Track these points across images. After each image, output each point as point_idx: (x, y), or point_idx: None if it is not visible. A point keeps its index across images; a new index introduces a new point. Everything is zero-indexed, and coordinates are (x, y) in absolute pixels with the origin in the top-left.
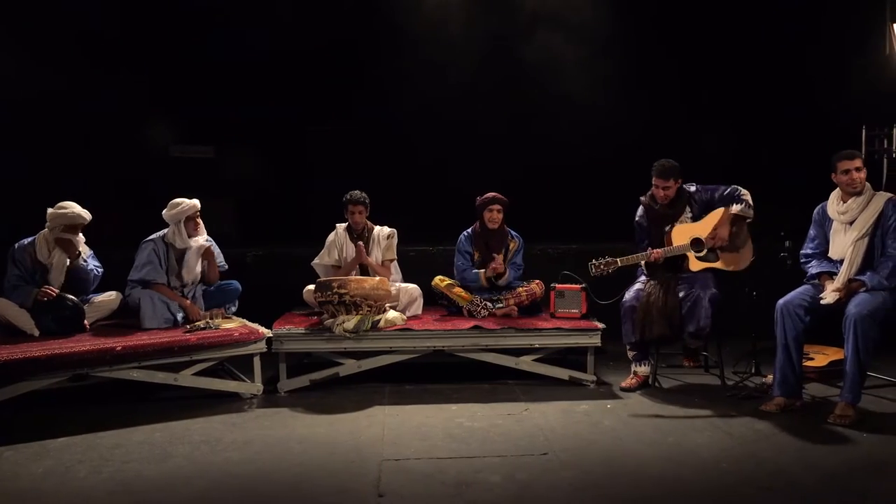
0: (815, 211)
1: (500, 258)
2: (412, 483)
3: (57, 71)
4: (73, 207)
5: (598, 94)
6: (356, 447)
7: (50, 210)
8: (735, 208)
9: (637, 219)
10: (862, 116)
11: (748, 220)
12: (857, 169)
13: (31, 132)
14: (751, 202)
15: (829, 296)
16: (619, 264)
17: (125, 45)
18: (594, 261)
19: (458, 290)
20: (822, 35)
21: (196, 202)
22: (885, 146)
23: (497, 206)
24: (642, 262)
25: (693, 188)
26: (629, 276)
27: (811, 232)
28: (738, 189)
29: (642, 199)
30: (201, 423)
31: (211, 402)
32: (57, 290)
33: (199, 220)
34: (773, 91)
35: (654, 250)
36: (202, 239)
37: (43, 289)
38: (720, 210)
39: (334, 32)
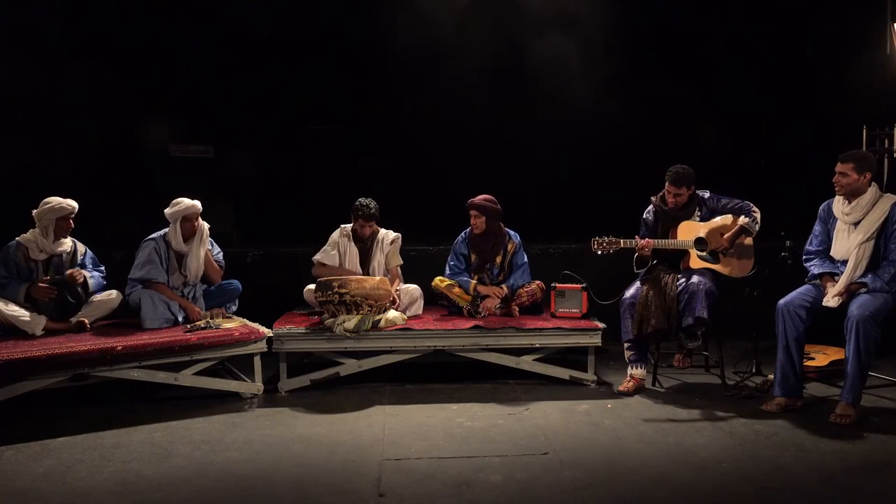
0: (821, 207)
1: (490, 304)
2: (412, 483)
3: (56, 71)
4: (58, 199)
5: (598, 94)
6: (356, 447)
7: (35, 210)
8: (742, 220)
9: (644, 216)
10: (862, 116)
11: (751, 236)
12: (842, 174)
13: (31, 132)
14: (758, 220)
15: (832, 301)
16: (622, 245)
17: (125, 45)
18: (597, 238)
19: (457, 290)
20: (822, 34)
21: (196, 203)
22: (886, 146)
23: (474, 213)
24: (621, 248)
25: (706, 195)
26: (630, 275)
27: (816, 228)
28: (749, 204)
29: (653, 198)
30: (202, 422)
31: (211, 401)
32: (51, 286)
33: (199, 222)
34: (773, 91)
35: (645, 240)
36: (206, 226)
37: (39, 284)
38: (729, 216)
39: (335, 33)
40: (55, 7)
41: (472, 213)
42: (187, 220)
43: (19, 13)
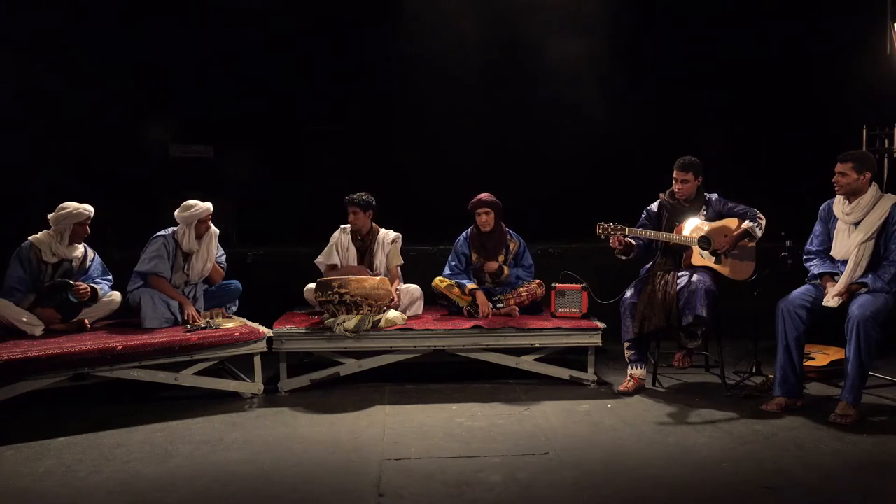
0: (822, 207)
1: (486, 307)
2: (413, 483)
3: (56, 71)
4: (76, 204)
5: (600, 95)
6: (356, 447)
7: (51, 214)
8: (746, 224)
9: (649, 206)
10: (862, 116)
11: (754, 240)
12: (841, 174)
13: (32, 132)
14: (763, 226)
15: (832, 301)
16: (627, 233)
17: (125, 45)
18: (602, 223)
19: (457, 290)
20: (821, 34)
21: (209, 206)
22: (886, 146)
23: (485, 210)
24: (626, 235)
25: (714, 197)
26: (631, 275)
27: (816, 228)
28: (756, 211)
29: (662, 195)
30: (202, 422)
31: (211, 401)
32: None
33: (210, 223)
34: (773, 91)
35: (622, 238)
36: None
37: (45, 309)
38: (735, 219)
39: (336, 33)
40: (56, 8)
41: (482, 210)
42: (202, 221)
43: (19, 14)
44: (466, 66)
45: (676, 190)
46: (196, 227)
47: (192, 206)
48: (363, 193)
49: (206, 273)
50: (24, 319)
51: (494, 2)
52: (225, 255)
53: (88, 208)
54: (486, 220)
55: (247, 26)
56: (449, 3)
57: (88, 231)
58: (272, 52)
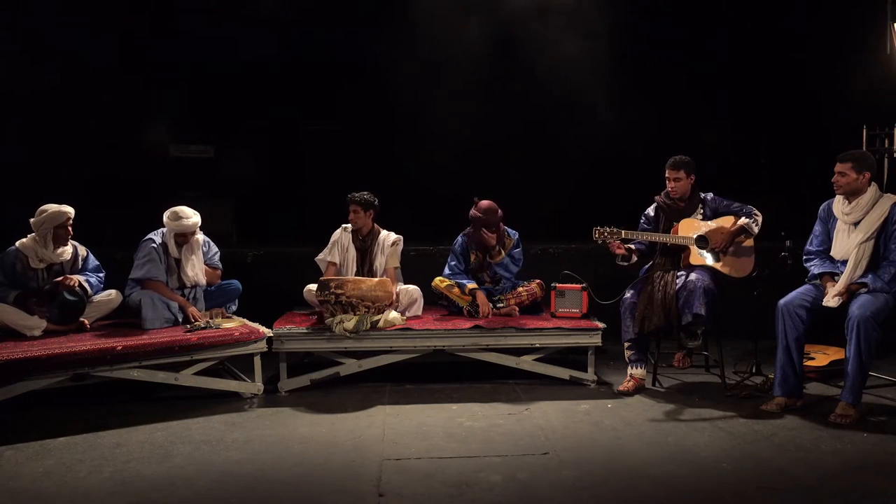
0: (821, 208)
1: (486, 307)
2: (413, 483)
3: (55, 71)
4: (54, 207)
5: (601, 95)
6: (356, 447)
7: (32, 219)
8: (742, 220)
9: (647, 210)
10: (862, 116)
11: (751, 237)
12: (841, 174)
13: (31, 132)
14: (760, 223)
15: (832, 301)
16: (623, 236)
17: (125, 45)
18: (598, 227)
19: (457, 290)
20: (821, 34)
21: (192, 222)
22: (886, 146)
23: (490, 232)
24: (622, 239)
25: (710, 196)
26: (631, 276)
27: (816, 228)
28: (752, 208)
29: (657, 197)
30: (202, 422)
31: (211, 401)
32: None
33: (195, 237)
34: (773, 90)
35: (626, 246)
36: (200, 238)
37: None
38: (731, 217)
39: (334, 31)
40: (54, 8)
41: (487, 230)
42: (181, 235)
43: (18, 14)
44: (466, 66)
45: (670, 189)
46: (174, 238)
47: (177, 218)
48: (365, 193)
49: (200, 280)
50: (23, 322)
51: (495, 2)
52: (218, 254)
53: (66, 209)
54: (490, 236)
55: (247, 26)
56: (449, 4)
57: (71, 232)
58: (272, 51)
